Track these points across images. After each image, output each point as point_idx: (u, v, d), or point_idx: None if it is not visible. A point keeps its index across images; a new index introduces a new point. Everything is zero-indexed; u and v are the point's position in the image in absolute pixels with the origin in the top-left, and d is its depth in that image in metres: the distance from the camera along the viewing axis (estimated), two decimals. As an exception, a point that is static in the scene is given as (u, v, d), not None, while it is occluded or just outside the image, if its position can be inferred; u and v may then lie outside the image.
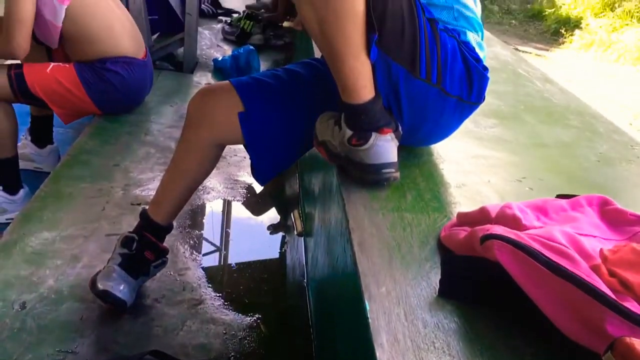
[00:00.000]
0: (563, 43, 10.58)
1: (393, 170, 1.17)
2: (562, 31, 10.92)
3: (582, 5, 11.57)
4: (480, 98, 1.26)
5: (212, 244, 1.84)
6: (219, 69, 2.95)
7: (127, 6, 2.72)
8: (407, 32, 1.11)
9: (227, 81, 1.38)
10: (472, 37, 1.23)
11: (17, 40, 1.90)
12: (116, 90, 2.13)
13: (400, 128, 1.19)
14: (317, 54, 1.63)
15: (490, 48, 2.45)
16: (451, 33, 1.18)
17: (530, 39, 11.02)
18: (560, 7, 12.07)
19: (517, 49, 9.74)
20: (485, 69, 1.24)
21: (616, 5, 11.10)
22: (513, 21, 12.24)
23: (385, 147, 1.16)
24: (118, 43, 2.09)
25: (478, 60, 1.23)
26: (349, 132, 1.16)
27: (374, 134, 1.14)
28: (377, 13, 1.05)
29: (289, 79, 1.38)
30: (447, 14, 1.22)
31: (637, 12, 10.60)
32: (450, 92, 1.20)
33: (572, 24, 10.97)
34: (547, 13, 11.91)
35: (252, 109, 1.33)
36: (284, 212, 2.14)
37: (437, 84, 1.18)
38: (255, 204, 2.10)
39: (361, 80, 1.11)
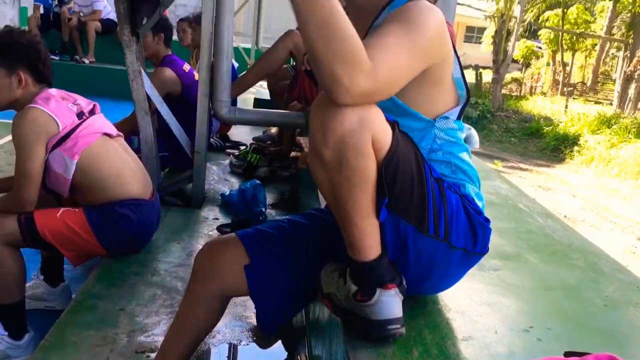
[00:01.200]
0: (563, 159, 10.84)
1: (399, 325, 1.17)
2: (562, 148, 11.22)
3: (578, 122, 11.96)
4: (484, 248, 1.29)
5: (217, 391, 1.79)
6: (226, 203, 3.02)
7: (138, 147, 2.85)
8: (416, 194, 1.16)
9: (233, 234, 1.42)
10: (471, 189, 1.28)
11: (25, 195, 1.98)
12: (125, 233, 2.17)
13: (404, 282, 1.21)
14: (322, 201, 1.68)
15: (489, 182, 2.53)
16: (453, 188, 1.24)
17: (530, 155, 11.31)
18: (558, 125, 12.48)
19: (519, 167, 9.97)
20: (487, 220, 1.28)
21: (612, 122, 11.47)
22: (513, 139, 12.63)
23: (390, 303, 1.17)
24: (126, 187, 2.16)
25: (479, 212, 1.28)
26: (354, 288, 1.18)
27: (378, 290, 1.16)
28: (388, 179, 1.10)
29: (293, 230, 1.42)
30: (445, 168, 1.28)
31: (634, 127, 10.92)
32: (457, 245, 1.24)
33: (570, 141, 11.28)
34: (545, 131, 12.30)
35: (258, 261, 1.36)
36: (291, 356, 2.10)
37: (444, 239, 1.22)
38: (262, 347, 2.06)
39: (368, 240, 1.15)
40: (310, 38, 1.03)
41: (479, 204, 1.29)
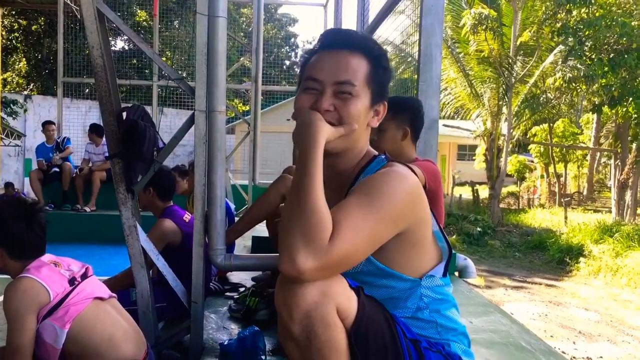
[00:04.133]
0: (571, 271, 10.69)
1: None
2: (567, 260, 11.12)
3: (580, 233, 11.95)
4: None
5: None
6: (225, 354, 2.94)
7: (135, 300, 2.83)
8: (391, 357, 1.14)
9: None
10: (458, 348, 1.26)
11: None
12: (118, 399, 2.10)
13: None
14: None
15: (489, 317, 2.48)
16: (436, 347, 1.22)
17: (537, 269, 11.18)
18: (560, 236, 12.46)
19: (526, 282, 9.82)
20: None
21: (613, 230, 11.45)
22: (517, 253, 12.55)
23: None
24: (119, 350, 2.12)
25: (468, 371, 1.25)
26: None
27: None
28: (361, 348, 1.09)
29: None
30: (430, 329, 1.27)
31: (636, 234, 10.89)
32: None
33: (575, 252, 11.20)
34: (548, 243, 12.25)
35: None
36: None
37: None
38: None
39: None
40: (288, 206, 1.07)
41: (469, 361, 1.26)
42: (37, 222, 2.14)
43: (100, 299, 2.15)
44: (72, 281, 2.07)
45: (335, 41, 1.34)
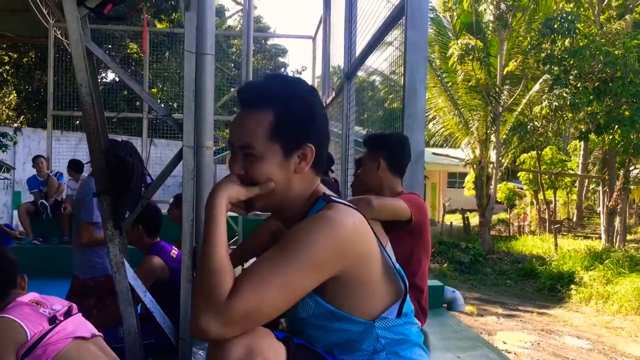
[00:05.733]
0: (562, 299, 10.68)
1: None
2: (558, 287, 11.12)
3: (570, 260, 11.98)
4: None
5: None
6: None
7: (111, 343, 2.81)
8: None
9: None
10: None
11: None
12: None
13: None
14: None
15: (476, 352, 2.48)
16: None
17: (528, 297, 11.16)
18: (550, 263, 12.49)
19: (518, 310, 9.80)
20: None
21: (603, 257, 11.50)
22: (508, 281, 12.53)
23: None
24: (103, 390, 2.10)
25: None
26: None
27: None
28: None
29: None
30: None
31: (626, 260, 10.94)
32: None
33: (565, 279, 11.21)
34: (539, 270, 12.26)
35: None
36: None
37: None
38: None
39: None
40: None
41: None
42: (4, 260, 2.14)
43: (83, 338, 2.13)
44: (52, 320, 2.06)
45: (241, 99, 1.34)
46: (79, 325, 2.18)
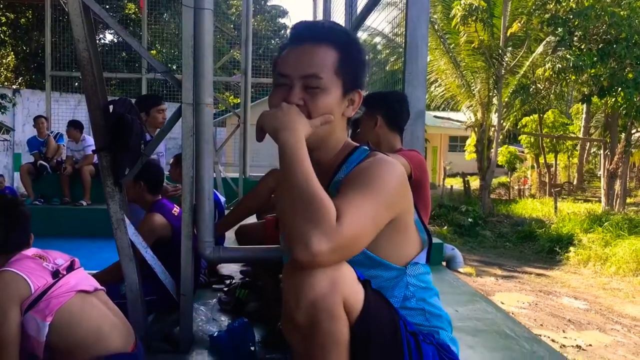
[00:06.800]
0: (560, 261, 10.77)
1: None
2: (557, 249, 11.20)
3: (570, 223, 12.04)
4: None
5: None
6: (215, 345, 2.96)
7: (113, 299, 2.84)
8: (392, 355, 1.15)
9: None
10: (445, 335, 1.29)
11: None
12: (107, 393, 2.11)
13: None
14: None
15: (475, 306, 2.51)
16: (428, 339, 1.23)
17: (527, 259, 11.26)
18: (550, 226, 12.55)
19: (517, 272, 9.90)
20: None
21: (603, 219, 11.54)
22: (507, 243, 12.63)
23: None
24: (106, 343, 2.12)
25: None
26: None
27: None
28: (362, 344, 1.10)
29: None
30: (420, 317, 1.29)
31: (625, 223, 10.98)
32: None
33: (564, 242, 11.28)
34: (538, 233, 12.34)
35: None
36: None
37: None
38: None
39: None
40: (284, 199, 1.09)
41: (454, 349, 1.29)
42: (18, 217, 2.14)
43: (85, 291, 2.15)
44: (55, 274, 2.07)
45: (301, 35, 1.35)
46: (82, 279, 2.20)
